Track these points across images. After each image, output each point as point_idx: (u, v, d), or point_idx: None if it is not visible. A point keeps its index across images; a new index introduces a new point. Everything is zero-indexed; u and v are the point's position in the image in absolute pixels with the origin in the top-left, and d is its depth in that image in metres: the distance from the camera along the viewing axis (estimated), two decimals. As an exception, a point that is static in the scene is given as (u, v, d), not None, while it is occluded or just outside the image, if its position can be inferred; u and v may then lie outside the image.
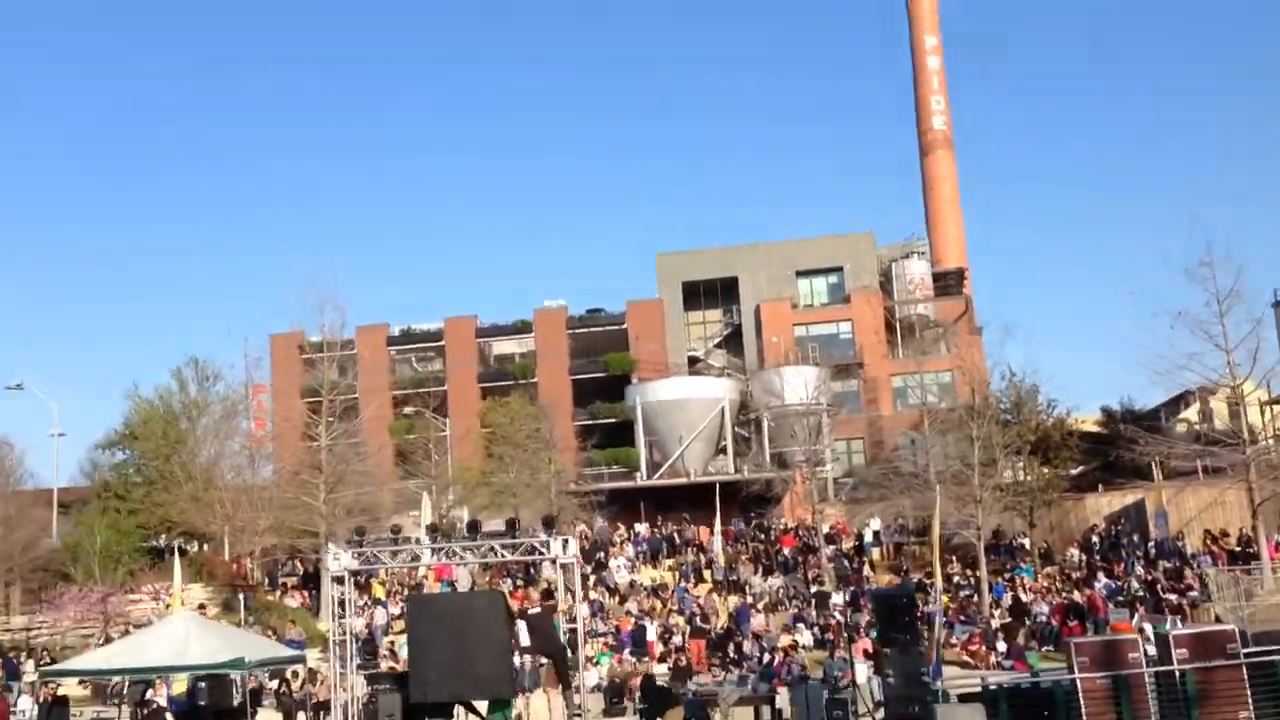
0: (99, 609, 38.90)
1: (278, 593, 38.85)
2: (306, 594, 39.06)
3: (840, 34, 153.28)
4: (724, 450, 62.19)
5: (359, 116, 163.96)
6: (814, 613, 35.49)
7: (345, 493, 37.08)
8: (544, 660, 21.75)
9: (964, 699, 17.87)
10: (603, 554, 42.61)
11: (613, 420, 65.98)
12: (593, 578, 40.44)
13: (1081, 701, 17.00)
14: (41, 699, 23.63)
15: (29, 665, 32.43)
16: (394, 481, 46.06)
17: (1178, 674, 17.05)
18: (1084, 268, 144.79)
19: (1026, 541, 39.28)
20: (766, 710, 21.21)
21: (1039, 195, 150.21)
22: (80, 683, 33.70)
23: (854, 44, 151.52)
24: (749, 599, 37.66)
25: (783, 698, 21.29)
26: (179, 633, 19.40)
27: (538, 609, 19.97)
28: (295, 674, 27.79)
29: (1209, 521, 36.39)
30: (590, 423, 65.62)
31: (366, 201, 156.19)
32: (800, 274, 70.29)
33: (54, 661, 33.08)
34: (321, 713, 22.74)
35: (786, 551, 42.49)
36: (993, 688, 18.87)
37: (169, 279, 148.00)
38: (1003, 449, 35.74)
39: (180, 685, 24.76)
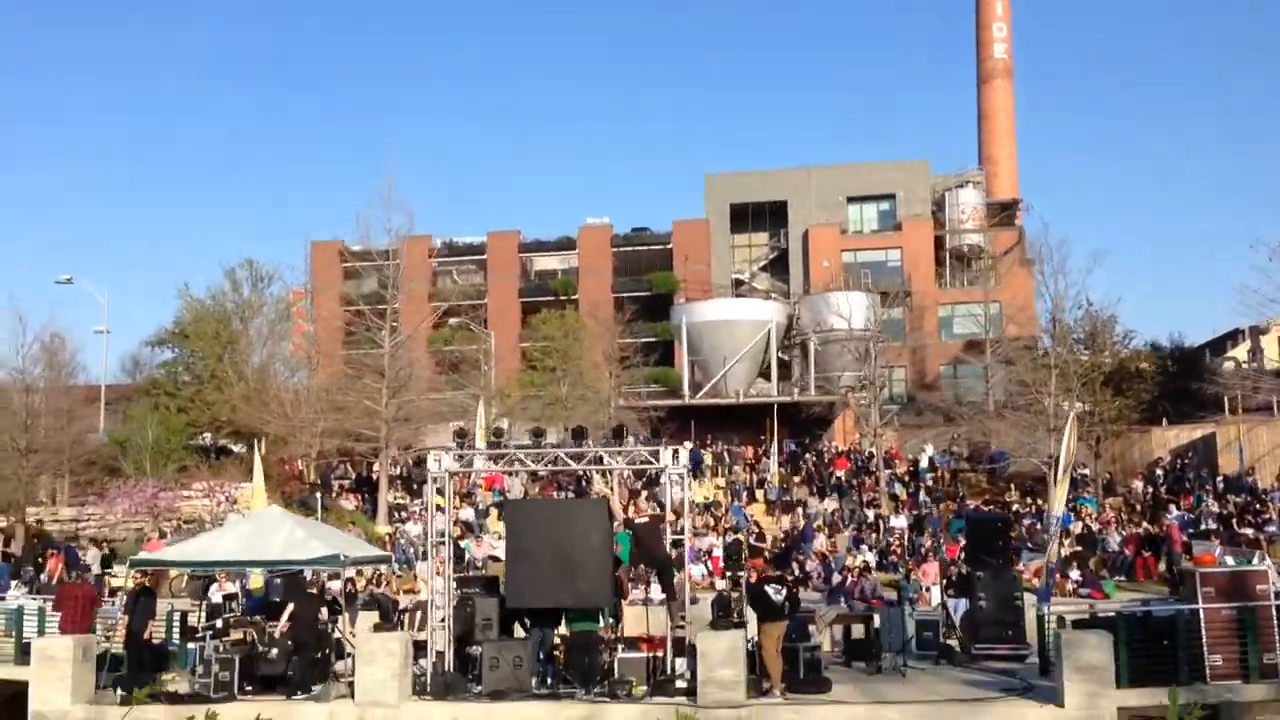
0: (149, 504, 38.80)
1: (332, 495, 38.62)
2: (361, 497, 38.90)
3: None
4: (767, 373, 61.77)
5: (410, 26, 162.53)
6: (873, 535, 35.13)
7: (408, 398, 36.80)
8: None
9: (1077, 626, 17.38)
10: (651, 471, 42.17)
11: (653, 339, 65.39)
12: (644, 493, 40.13)
13: (1204, 632, 16.53)
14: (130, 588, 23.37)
15: (91, 554, 32.32)
16: (444, 390, 45.56)
17: (1306, 606, 16.54)
18: (1138, 203, 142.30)
19: (1088, 472, 38.73)
20: (856, 629, 20.82)
21: (1098, 128, 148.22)
22: (137, 574, 33.79)
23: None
24: (804, 519, 37.38)
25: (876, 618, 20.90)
26: (274, 526, 19.04)
27: (645, 518, 19.55)
28: (360, 573, 27.54)
29: (1284, 458, 35.88)
30: (631, 340, 65.21)
31: (414, 111, 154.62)
32: (851, 200, 69.30)
33: (114, 553, 33.07)
34: (407, 615, 22.44)
35: (840, 474, 42.08)
36: (1102, 616, 18.36)
37: (218, 183, 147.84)
38: (1079, 378, 35.07)
39: (256, 581, 24.52)
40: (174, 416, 43.75)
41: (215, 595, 27.28)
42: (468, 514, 36.30)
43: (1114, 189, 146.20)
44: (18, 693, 23.92)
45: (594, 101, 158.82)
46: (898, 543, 32.90)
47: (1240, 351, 66.57)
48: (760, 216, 70.61)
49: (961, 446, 44.81)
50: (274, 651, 18.60)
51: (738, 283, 69.84)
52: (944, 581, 28.00)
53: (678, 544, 18.52)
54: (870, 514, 37.21)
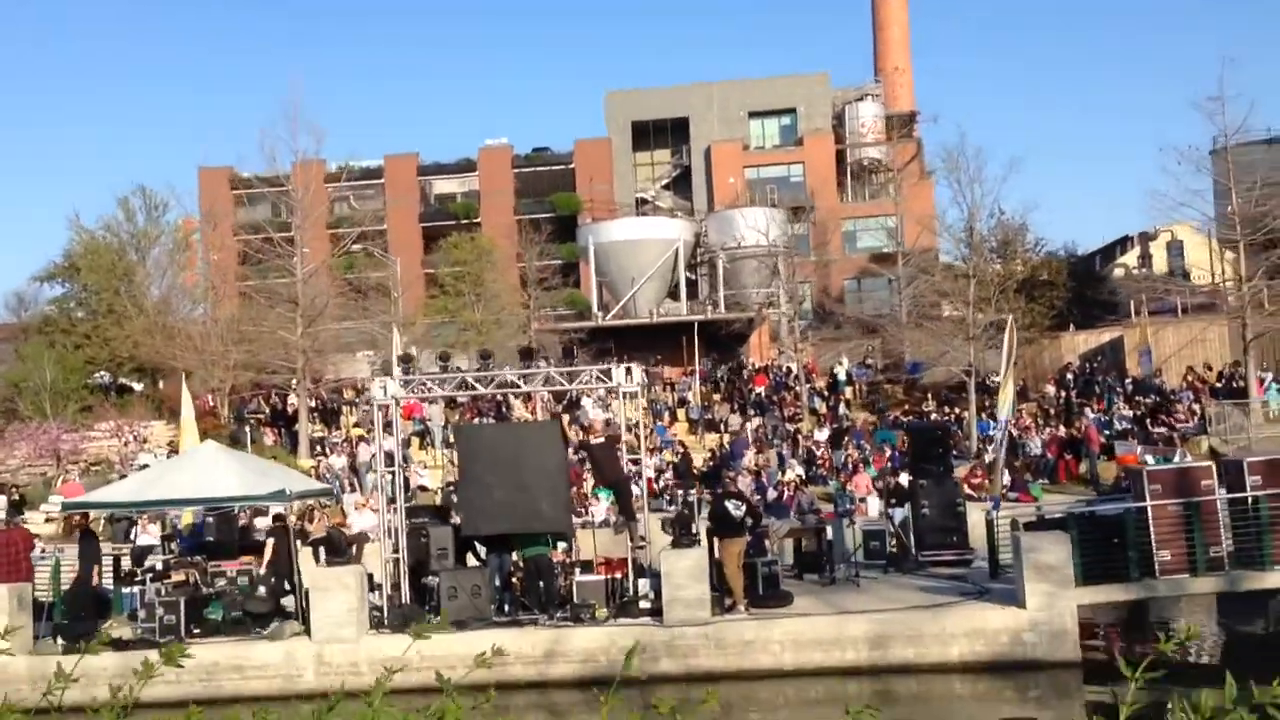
0: (51, 446, 37.45)
1: (247, 430, 37.66)
2: (277, 431, 37.97)
3: None
4: (675, 292, 61.65)
5: None
6: (798, 450, 35.41)
7: (323, 326, 35.85)
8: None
9: (1027, 529, 17.68)
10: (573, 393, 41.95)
11: (559, 261, 64.77)
12: (565, 416, 39.92)
13: (1152, 529, 16.90)
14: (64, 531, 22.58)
15: (0, 500, 31.12)
16: (354, 319, 44.54)
17: (1250, 500, 17.00)
18: (1035, 113, 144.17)
19: (997, 380, 39.44)
20: (805, 542, 20.95)
21: (994, 38, 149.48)
22: (47, 519, 32.71)
23: None
24: (727, 437, 37.55)
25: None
26: (211, 463, 18.40)
27: (600, 439, 19.31)
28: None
29: (1189, 359, 36.83)
30: (540, 263, 64.52)
31: (306, 31, 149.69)
32: (753, 115, 69.10)
33: (24, 499, 31.91)
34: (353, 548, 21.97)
35: (760, 390, 42.28)
36: (1050, 518, 18.72)
37: (95, 107, 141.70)
38: (997, 287, 35.55)
39: (186, 519, 23.80)
40: (71, 354, 42.09)
41: (141, 538, 26.55)
42: (389, 444, 35.63)
43: (1011, 97, 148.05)
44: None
45: (489, 19, 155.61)
46: (824, 456, 33.22)
47: (1130, 258, 68.34)
48: (662, 134, 70.11)
49: (876, 359, 45.35)
50: (261, 590, 18.09)
51: (641, 201, 69.41)
52: (879, 491, 28.48)
53: (635, 463, 18.37)
54: (792, 428, 37.47)
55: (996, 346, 37.14)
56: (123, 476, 31.46)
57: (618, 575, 18.48)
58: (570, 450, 18.80)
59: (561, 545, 18.91)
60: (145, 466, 33.24)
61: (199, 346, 37.07)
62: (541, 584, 17.79)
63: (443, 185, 71.84)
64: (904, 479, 24.51)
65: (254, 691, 17.27)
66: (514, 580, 18.93)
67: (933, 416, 37.20)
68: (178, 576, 19.22)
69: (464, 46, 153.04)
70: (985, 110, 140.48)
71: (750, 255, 57.81)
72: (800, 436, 36.77)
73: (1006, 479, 28.23)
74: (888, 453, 33.02)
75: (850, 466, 31.26)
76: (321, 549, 19.41)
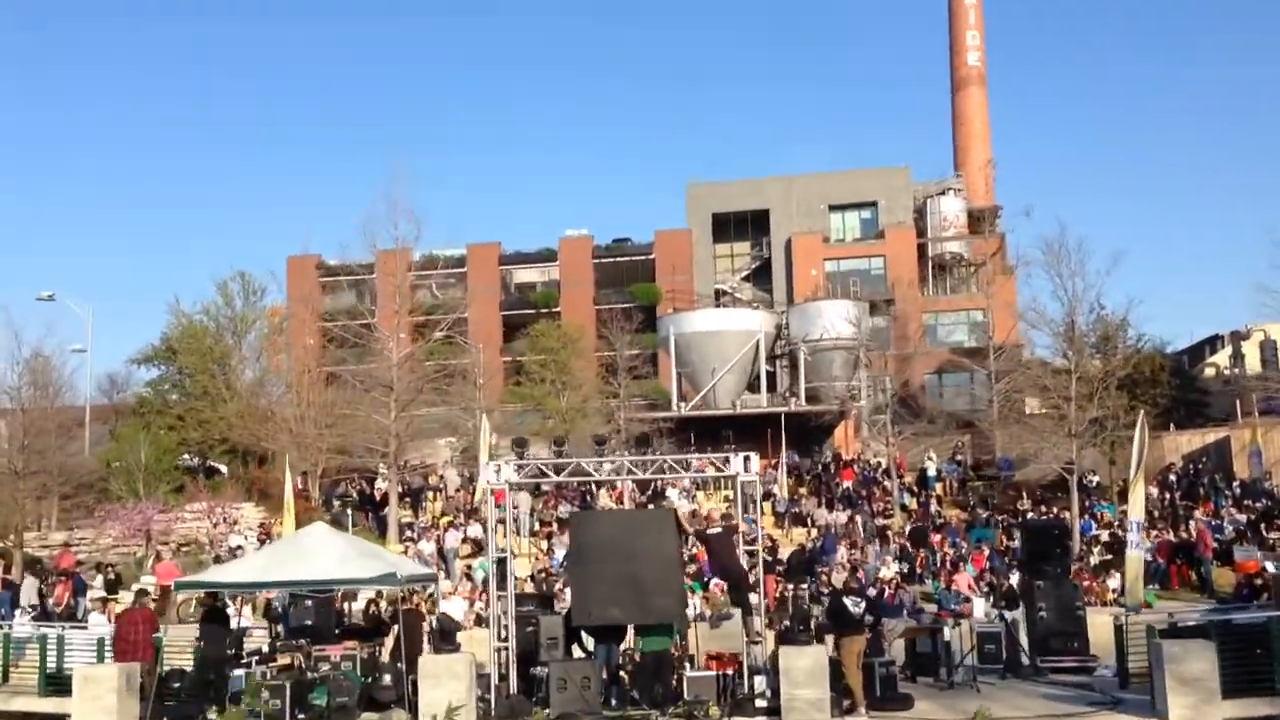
0: (141, 526, 37.66)
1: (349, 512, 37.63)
2: (366, 515, 37.93)
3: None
4: (755, 384, 61.28)
5: (382, 28, 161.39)
6: (887, 545, 34.66)
7: (418, 411, 35.96)
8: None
9: (1165, 635, 16.94)
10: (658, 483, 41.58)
11: (637, 351, 64.80)
12: (650, 506, 39.57)
13: (1300, 637, 16.12)
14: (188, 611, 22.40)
15: (97, 581, 31.21)
16: (437, 404, 44.63)
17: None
18: (1117, 205, 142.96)
19: (1095, 479, 38.54)
20: (918, 642, 20.29)
21: (1072, 134, 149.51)
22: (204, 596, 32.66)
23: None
24: (814, 531, 36.92)
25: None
26: (325, 544, 18.23)
27: (718, 528, 18.90)
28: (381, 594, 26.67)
29: (1301, 462, 35.83)
30: (614, 353, 64.54)
31: (389, 121, 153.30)
32: (833, 208, 69.24)
33: (119, 579, 32.01)
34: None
35: (847, 485, 41.63)
36: (1185, 625, 17.93)
37: (182, 199, 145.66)
38: (1100, 383, 34.81)
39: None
40: (164, 435, 42.55)
41: (237, 619, 26.40)
42: (475, 530, 35.45)
43: (1091, 192, 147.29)
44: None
45: (572, 111, 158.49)
46: (920, 554, 32.43)
47: (1221, 357, 67.01)
48: (742, 226, 70.42)
49: (965, 455, 44.56)
50: (386, 677, 17.76)
51: (720, 293, 69.50)
52: (984, 591, 27.69)
53: (750, 555, 17.93)
54: (882, 524, 36.75)
55: (1096, 445, 36.47)
56: (218, 559, 31.63)
57: (728, 671, 17.96)
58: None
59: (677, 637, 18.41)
60: (238, 548, 33.34)
61: (293, 429, 37.32)
62: (658, 679, 17.30)
63: (523, 275, 72.46)
64: (1014, 579, 23.78)
65: (357, 781, 16.94)
66: (621, 673, 18.46)
67: (1029, 515, 36.28)
68: (283, 660, 18.99)
69: (545, 137, 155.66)
70: (1071, 203, 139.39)
71: (832, 348, 57.45)
72: (891, 533, 36.06)
73: (1114, 583, 27.41)
74: (986, 551, 32.25)
75: (950, 565, 30.48)
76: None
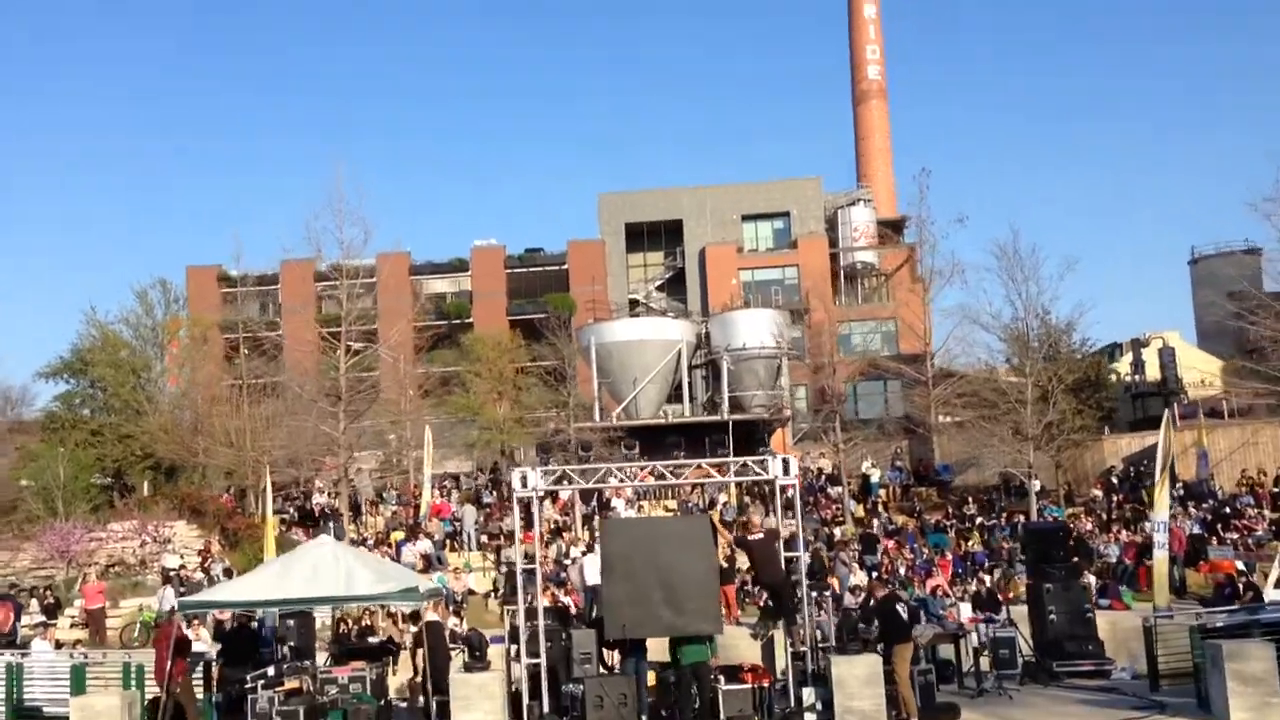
0: (59, 547, 35.64)
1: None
2: (307, 531, 36.44)
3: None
4: (676, 393, 60.94)
5: (303, 50, 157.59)
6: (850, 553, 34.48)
7: (365, 422, 34.66)
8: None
9: (1207, 635, 16.92)
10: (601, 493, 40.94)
11: (551, 362, 63.99)
12: (595, 518, 38.94)
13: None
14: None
15: (33, 604, 29.37)
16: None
17: None
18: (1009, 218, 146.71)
19: (1037, 483, 39.02)
20: (938, 649, 20.00)
21: (970, 146, 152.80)
22: (72, 624, 30.97)
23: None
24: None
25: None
26: (333, 559, 17.16)
27: (759, 535, 18.34)
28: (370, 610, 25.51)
29: (1240, 463, 36.59)
30: (528, 365, 63.65)
31: (302, 132, 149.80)
32: (746, 218, 69.47)
33: (58, 603, 30.28)
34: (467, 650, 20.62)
35: (789, 494, 41.34)
36: (1218, 625, 17.95)
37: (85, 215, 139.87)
38: (1053, 387, 35.22)
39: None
40: (81, 452, 40.34)
41: (200, 642, 25.01)
42: (424, 546, 34.32)
43: (988, 204, 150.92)
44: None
45: (480, 122, 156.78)
46: (885, 562, 32.31)
47: (1123, 365, 68.81)
48: (655, 235, 70.22)
49: (904, 461, 44.83)
50: (421, 700, 16.76)
51: (634, 303, 69.10)
52: (958, 594, 27.65)
53: (789, 562, 17.44)
54: (838, 532, 36.61)
55: (1041, 448, 36.84)
56: (169, 579, 29.99)
57: (764, 684, 17.42)
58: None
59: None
60: (181, 568, 31.75)
61: (233, 441, 35.68)
62: (697, 692, 16.66)
63: (434, 285, 71.09)
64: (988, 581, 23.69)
65: (388, 811, 15.98)
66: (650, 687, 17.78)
67: (978, 520, 36.57)
68: (291, 684, 17.89)
69: (456, 145, 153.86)
70: (977, 210, 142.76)
71: (756, 357, 57.49)
72: (843, 540, 35.91)
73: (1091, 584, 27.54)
74: (949, 556, 32.34)
75: (922, 570, 30.43)
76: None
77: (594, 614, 19.20)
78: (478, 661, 17.17)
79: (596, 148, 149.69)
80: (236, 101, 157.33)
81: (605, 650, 18.16)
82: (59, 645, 26.77)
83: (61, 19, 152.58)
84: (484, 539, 36.76)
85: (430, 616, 19.05)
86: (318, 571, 17.11)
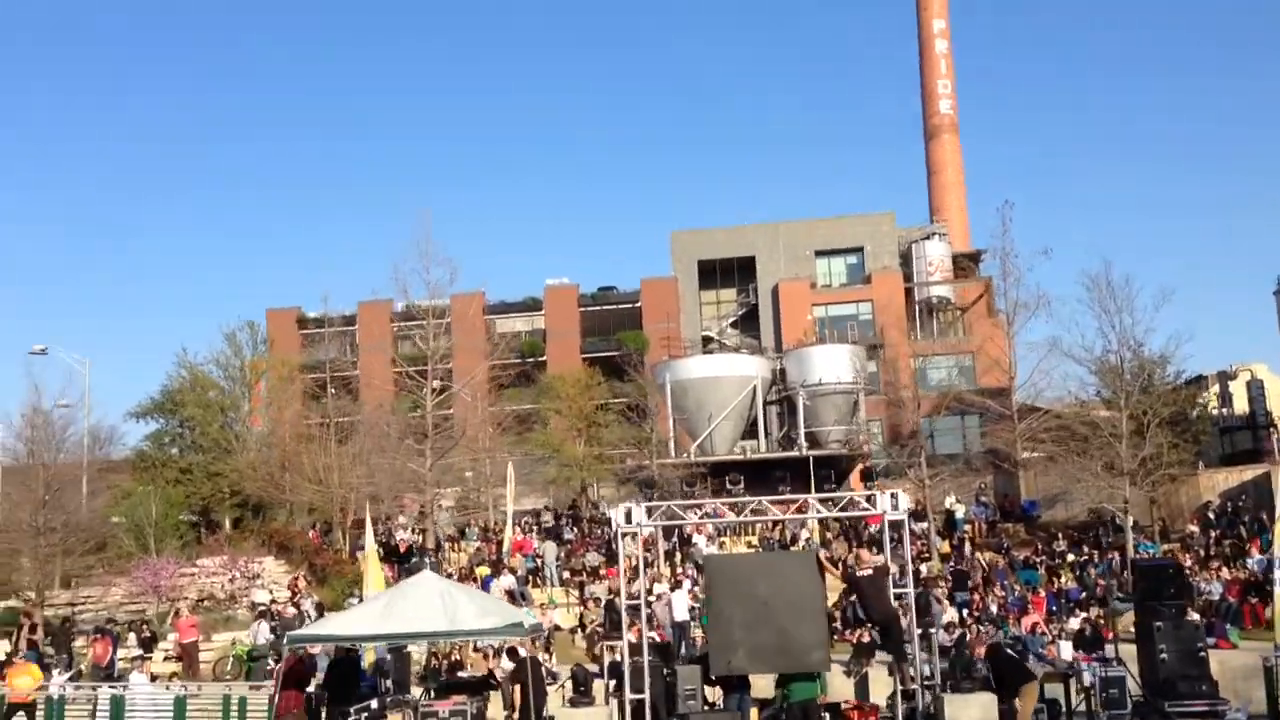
0: (151, 583, 36.15)
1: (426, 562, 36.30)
2: (392, 566, 36.66)
3: (853, 13, 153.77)
4: (752, 429, 60.72)
5: (368, 87, 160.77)
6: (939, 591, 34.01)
7: (451, 459, 34.92)
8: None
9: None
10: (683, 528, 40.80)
11: (625, 400, 64.07)
12: (677, 554, 38.85)
13: None
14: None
15: (130, 638, 29.79)
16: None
17: None
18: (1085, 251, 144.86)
19: (1130, 519, 38.27)
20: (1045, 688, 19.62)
21: (1043, 180, 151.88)
22: (165, 658, 31.32)
23: (866, 23, 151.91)
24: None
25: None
26: (439, 595, 17.20)
27: (868, 570, 18.16)
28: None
29: (1341, 498, 35.59)
30: (608, 401, 63.72)
31: (371, 175, 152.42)
32: (819, 254, 69.15)
33: (154, 637, 30.70)
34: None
35: (873, 529, 40.99)
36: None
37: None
38: (1149, 420, 34.62)
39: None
40: (171, 490, 41.00)
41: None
42: (508, 581, 34.32)
43: (1061, 238, 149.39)
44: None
45: (552, 161, 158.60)
46: (977, 600, 31.80)
47: (1210, 398, 67.51)
48: (728, 273, 70.14)
49: (989, 496, 44.22)
50: None
51: (707, 339, 69.03)
52: (1055, 631, 27.15)
53: (898, 598, 17.23)
54: (924, 568, 36.09)
55: (1136, 484, 36.13)
56: (262, 614, 30.27)
57: (871, 720, 17.21)
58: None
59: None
60: (272, 602, 32.03)
61: (322, 479, 36.06)
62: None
63: (508, 324, 71.50)
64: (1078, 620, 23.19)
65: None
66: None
67: (1068, 557, 35.92)
68: (394, 717, 17.94)
69: (528, 187, 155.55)
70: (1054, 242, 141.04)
71: (832, 392, 57.25)
72: (933, 577, 35.42)
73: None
74: (1041, 593, 31.81)
75: (1016, 607, 29.93)
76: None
77: (683, 650, 19.07)
78: (582, 696, 17.05)
79: (668, 186, 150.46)
80: (307, 147, 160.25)
81: (707, 687, 18.01)
82: (154, 678, 27.11)
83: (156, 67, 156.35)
84: (565, 575, 36.74)
85: (522, 653, 19.08)
86: (423, 606, 17.16)
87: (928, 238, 69.20)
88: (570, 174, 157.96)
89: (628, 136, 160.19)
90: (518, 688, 17.47)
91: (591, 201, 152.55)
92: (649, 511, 17.43)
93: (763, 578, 17.15)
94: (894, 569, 17.80)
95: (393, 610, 17.29)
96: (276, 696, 16.82)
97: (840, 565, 23.82)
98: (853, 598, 26.31)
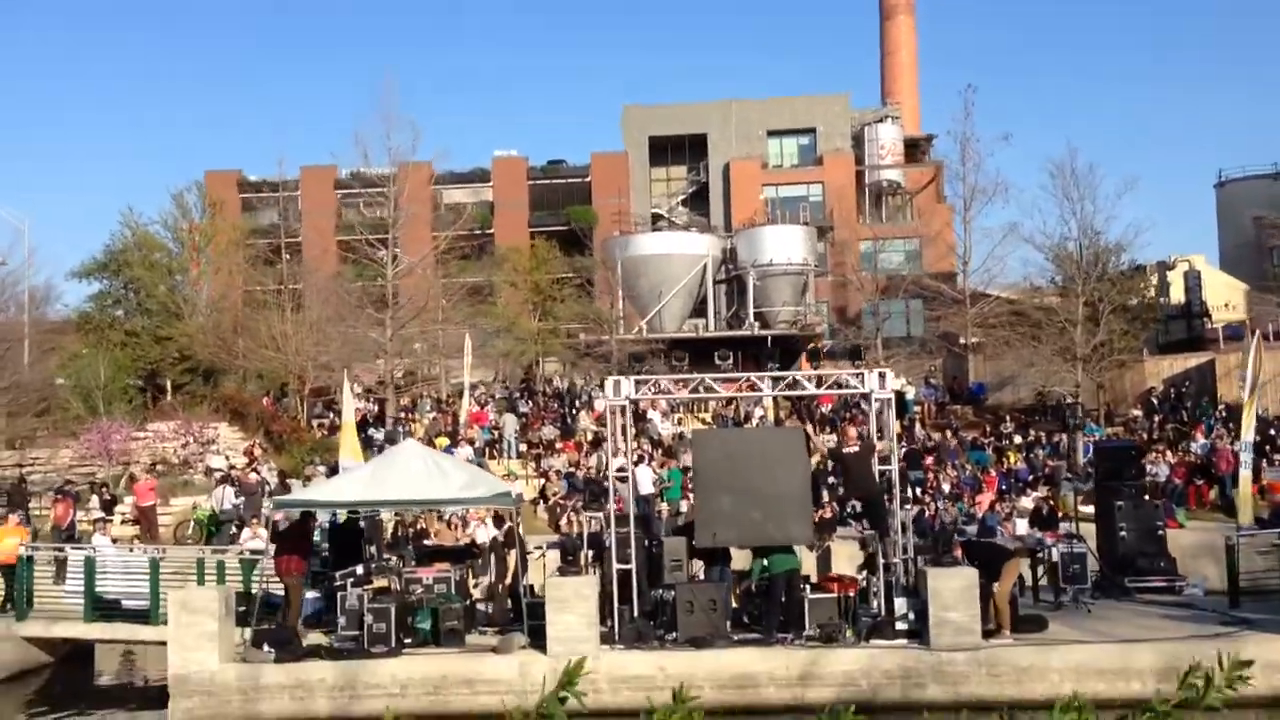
0: (101, 446, 35.73)
1: (317, 434, 36.14)
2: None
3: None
4: (701, 308, 60.79)
5: None
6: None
7: (412, 329, 34.56)
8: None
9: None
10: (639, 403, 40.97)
11: (572, 274, 63.69)
12: (632, 430, 39.03)
13: None
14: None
15: (92, 501, 29.50)
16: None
17: None
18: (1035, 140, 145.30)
19: (1080, 404, 39.03)
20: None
21: (996, 64, 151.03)
22: (123, 521, 31.10)
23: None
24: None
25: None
26: (423, 463, 17.19)
27: (854, 447, 18.34)
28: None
29: (1282, 386, 36.64)
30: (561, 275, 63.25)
31: (317, 36, 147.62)
32: (771, 134, 68.62)
33: (114, 499, 30.47)
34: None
35: (825, 408, 41.49)
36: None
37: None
38: (1108, 309, 35.13)
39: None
40: (118, 353, 40.22)
41: (251, 543, 25.16)
42: (466, 453, 34.34)
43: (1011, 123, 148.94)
44: (82, 652, 21.65)
45: (501, 31, 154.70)
46: (930, 478, 32.41)
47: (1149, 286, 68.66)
48: (679, 150, 69.51)
49: (937, 379, 44.86)
50: (509, 602, 16.90)
51: (657, 217, 68.60)
52: (1005, 510, 27.79)
53: (882, 474, 17.49)
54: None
55: (1087, 371, 36.82)
56: (226, 479, 30.03)
57: (850, 593, 17.57)
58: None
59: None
60: (231, 468, 31.82)
61: (280, 346, 35.54)
62: (787, 601, 16.79)
63: (454, 195, 70.44)
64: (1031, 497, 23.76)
65: (484, 707, 16.12)
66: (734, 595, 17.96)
67: (1015, 439, 36.66)
68: (379, 583, 18.01)
69: (478, 56, 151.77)
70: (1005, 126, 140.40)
71: (782, 273, 57.30)
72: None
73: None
74: (992, 474, 32.48)
75: (968, 486, 30.58)
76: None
77: (649, 523, 19.30)
78: (570, 565, 17.23)
79: (620, 58, 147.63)
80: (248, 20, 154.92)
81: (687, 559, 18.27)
82: (114, 541, 26.94)
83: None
84: (523, 448, 36.85)
85: (507, 523, 19.16)
86: (411, 475, 17.15)
87: (881, 120, 68.95)
88: (521, 41, 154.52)
89: (579, 5, 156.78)
90: (512, 554, 17.58)
91: (541, 70, 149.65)
92: (637, 385, 17.43)
93: (750, 454, 17.34)
94: (881, 447, 18.01)
95: (380, 478, 17.26)
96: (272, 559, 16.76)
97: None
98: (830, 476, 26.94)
